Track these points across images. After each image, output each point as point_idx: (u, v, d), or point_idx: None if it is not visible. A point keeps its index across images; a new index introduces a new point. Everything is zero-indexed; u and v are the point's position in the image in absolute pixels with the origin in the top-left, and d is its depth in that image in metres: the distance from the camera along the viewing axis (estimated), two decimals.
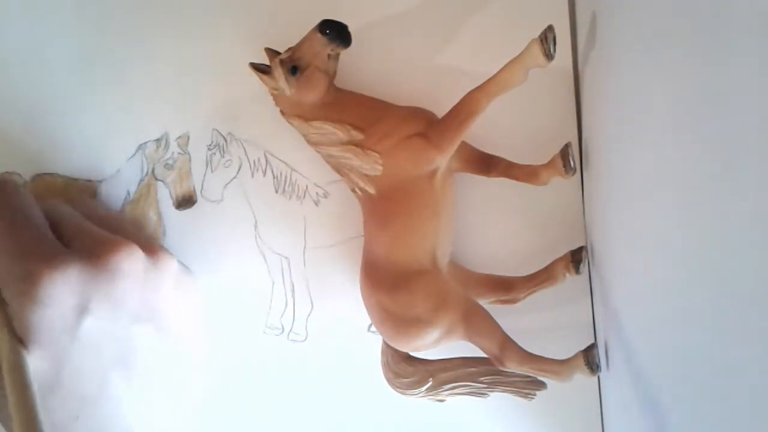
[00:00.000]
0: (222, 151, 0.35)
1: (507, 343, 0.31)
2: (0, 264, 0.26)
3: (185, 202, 0.36)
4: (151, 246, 0.30)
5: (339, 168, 0.33)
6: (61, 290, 0.25)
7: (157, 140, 0.35)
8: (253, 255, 0.36)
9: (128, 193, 0.35)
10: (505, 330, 0.31)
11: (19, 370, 0.24)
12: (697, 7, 0.16)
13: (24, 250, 0.26)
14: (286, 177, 0.35)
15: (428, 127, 0.31)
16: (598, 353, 0.30)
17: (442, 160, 0.31)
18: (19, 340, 0.25)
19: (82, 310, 0.26)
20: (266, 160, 0.35)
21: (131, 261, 0.28)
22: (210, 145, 0.35)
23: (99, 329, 0.27)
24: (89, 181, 0.35)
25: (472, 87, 0.29)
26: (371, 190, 0.31)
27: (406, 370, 0.33)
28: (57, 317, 0.25)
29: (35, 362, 0.25)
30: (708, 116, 0.16)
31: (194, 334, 0.32)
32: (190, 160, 0.35)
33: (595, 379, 0.34)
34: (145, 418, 0.28)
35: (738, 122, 0.14)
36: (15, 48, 0.36)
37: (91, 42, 0.35)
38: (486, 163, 0.32)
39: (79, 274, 0.26)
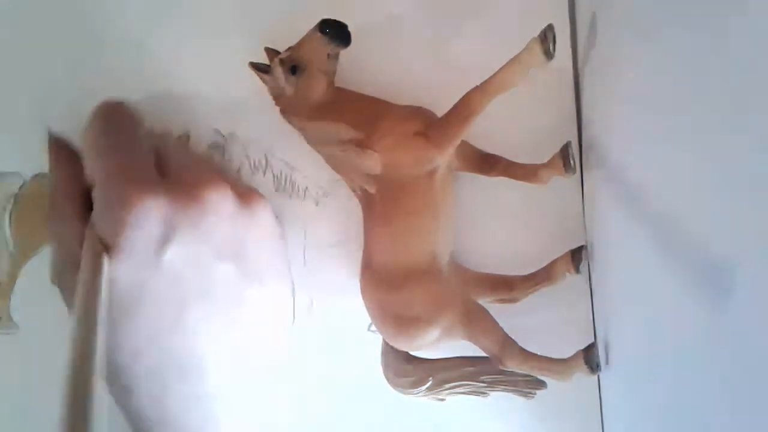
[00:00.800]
0: (222, 151, 0.35)
1: (507, 342, 0.31)
2: (97, 180, 0.27)
3: None
4: (246, 191, 0.30)
5: (339, 167, 0.33)
6: (150, 216, 0.26)
7: None
8: None
9: None
10: (505, 329, 0.31)
11: (96, 286, 0.25)
12: (697, 6, 0.16)
13: (122, 173, 0.27)
14: (286, 176, 0.35)
15: (428, 126, 0.31)
16: (597, 352, 0.30)
17: (442, 159, 0.31)
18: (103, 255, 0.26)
19: (168, 239, 0.26)
20: (266, 160, 0.35)
21: (221, 198, 0.28)
22: (210, 144, 0.35)
23: (182, 259, 0.27)
24: None
25: (472, 86, 0.29)
26: (371, 190, 0.31)
27: (406, 370, 0.33)
28: (143, 242, 0.26)
29: (116, 284, 0.26)
30: (708, 115, 0.16)
31: (279, 287, 0.32)
32: None
33: (595, 378, 0.34)
34: (219, 357, 0.28)
35: (739, 121, 0.14)
36: (15, 47, 0.36)
37: (91, 41, 0.35)
38: (486, 163, 0.32)
39: (170, 203, 0.26)
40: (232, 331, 0.29)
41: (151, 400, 0.27)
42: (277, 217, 0.32)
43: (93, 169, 0.27)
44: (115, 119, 0.29)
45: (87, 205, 0.28)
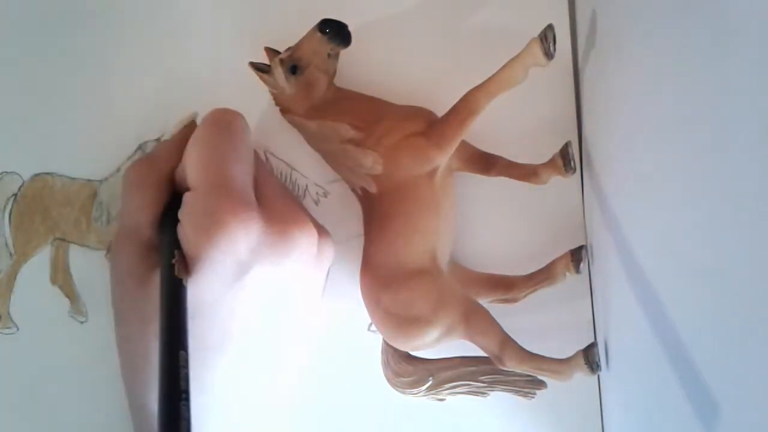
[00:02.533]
0: None
1: (507, 342, 0.31)
2: (196, 186, 0.27)
3: None
4: (321, 231, 0.30)
5: (339, 167, 0.33)
6: (240, 241, 0.26)
7: (157, 140, 0.35)
8: None
9: None
10: (505, 329, 0.31)
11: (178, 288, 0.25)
12: (697, 4, 0.16)
13: (224, 191, 0.26)
14: (285, 176, 0.35)
15: (428, 126, 0.31)
16: (598, 352, 0.30)
17: (442, 159, 0.31)
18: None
19: (247, 268, 0.26)
20: (266, 160, 0.35)
21: (307, 243, 0.28)
22: None
23: (250, 291, 0.27)
24: (89, 180, 0.35)
25: (472, 86, 0.29)
26: (371, 190, 0.31)
27: (406, 369, 0.33)
28: (224, 265, 0.26)
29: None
30: (709, 114, 0.16)
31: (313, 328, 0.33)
32: None
33: (595, 378, 0.34)
34: (235, 394, 0.29)
35: (739, 120, 0.14)
36: (15, 47, 0.36)
37: (91, 40, 0.35)
38: (486, 162, 0.32)
39: (261, 233, 0.26)
40: (253, 372, 0.29)
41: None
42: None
43: (195, 172, 0.27)
44: (230, 130, 0.29)
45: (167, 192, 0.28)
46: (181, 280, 0.25)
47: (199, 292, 0.26)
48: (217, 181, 0.27)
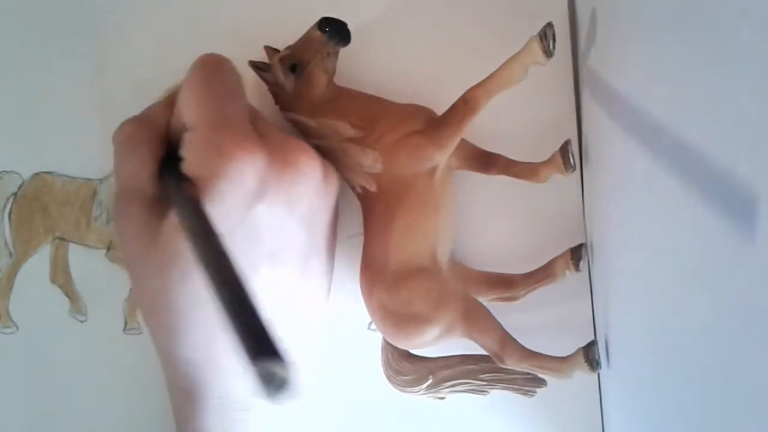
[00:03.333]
0: None
1: (507, 340, 0.31)
2: (196, 125, 0.27)
3: None
4: (326, 163, 0.31)
5: (338, 166, 0.33)
6: (247, 172, 0.26)
7: None
8: None
9: None
10: (505, 327, 0.31)
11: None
12: (697, 2, 0.16)
13: (225, 126, 0.27)
14: None
15: (428, 124, 0.31)
16: (598, 350, 0.30)
17: (442, 157, 0.31)
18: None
19: (258, 198, 0.27)
20: None
21: (312, 167, 0.29)
22: None
23: (266, 219, 0.27)
24: (89, 180, 0.35)
25: (472, 85, 0.29)
26: (371, 188, 0.31)
27: (406, 368, 0.33)
28: (235, 194, 0.26)
29: None
30: (709, 113, 0.16)
31: (330, 264, 0.33)
32: None
33: (595, 376, 0.34)
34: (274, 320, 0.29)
35: (739, 119, 0.14)
36: (15, 46, 0.36)
37: (91, 39, 0.35)
38: (485, 161, 0.32)
39: (267, 162, 0.27)
40: (292, 297, 0.30)
41: (201, 346, 0.27)
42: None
43: (193, 112, 0.27)
44: (221, 71, 0.29)
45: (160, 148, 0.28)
46: (201, 204, 0.25)
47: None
48: (216, 117, 0.27)
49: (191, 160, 0.27)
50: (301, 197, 0.28)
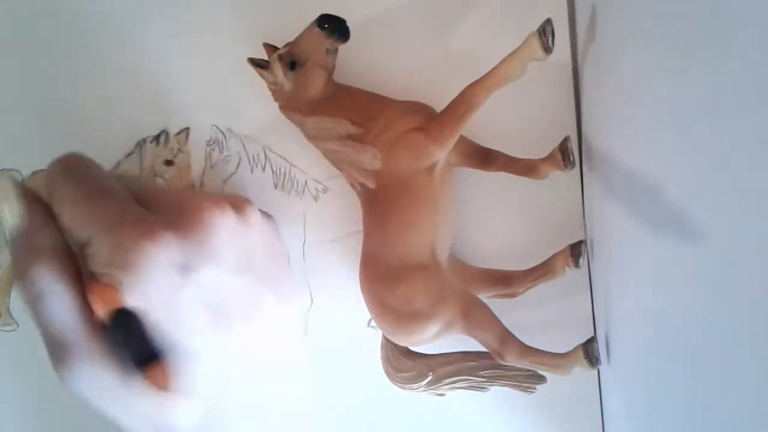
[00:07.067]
0: (221, 147, 0.35)
1: (506, 336, 0.31)
2: (92, 232, 0.26)
3: None
4: (236, 200, 0.29)
5: (338, 163, 0.33)
6: (160, 254, 0.25)
7: (157, 136, 0.35)
8: None
9: None
10: (504, 324, 0.31)
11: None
12: (697, 2, 0.16)
13: (113, 221, 0.26)
14: (285, 172, 0.35)
15: (427, 121, 0.31)
16: (597, 346, 0.30)
17: (441, 154, 0.31)
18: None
19: (185, 269, 0.26)
20: (265, 156, 0.35)
21: (221, 215, 0.28)
22: (209, 140, 0.35)
23: (195, 291, 0.27)
24: None
25: (471, 81, 0.29)
26: (370, 185, 0.31)
27: (406, 365, 0.33)
28: (161, 281, 0.26)
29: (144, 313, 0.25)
30: (709, 111, 0.16)
31: (291, 293, 0.32)
32: (189, 156, 0.35)
33: (595, 372, 0.34)
34: (232, 365, 0.28)
35: (739, 118, 0.14)
36: (15, 45, 0.36)
37: (90, 39, 0.35)
38: (485, 158, 0.32)
39: (176, 235, 0.26)
40: (250, 339, 0.29)
41: None
42: (266, 212, 0.32)
43: (77, 230, 0.26)
44: (82, 169, 0.28)
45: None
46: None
47: (156, 316, 0.26)
48: (105, 218, 0.26)
49: (104, 271, 0.25)
50: (222, 249, 0.27)
